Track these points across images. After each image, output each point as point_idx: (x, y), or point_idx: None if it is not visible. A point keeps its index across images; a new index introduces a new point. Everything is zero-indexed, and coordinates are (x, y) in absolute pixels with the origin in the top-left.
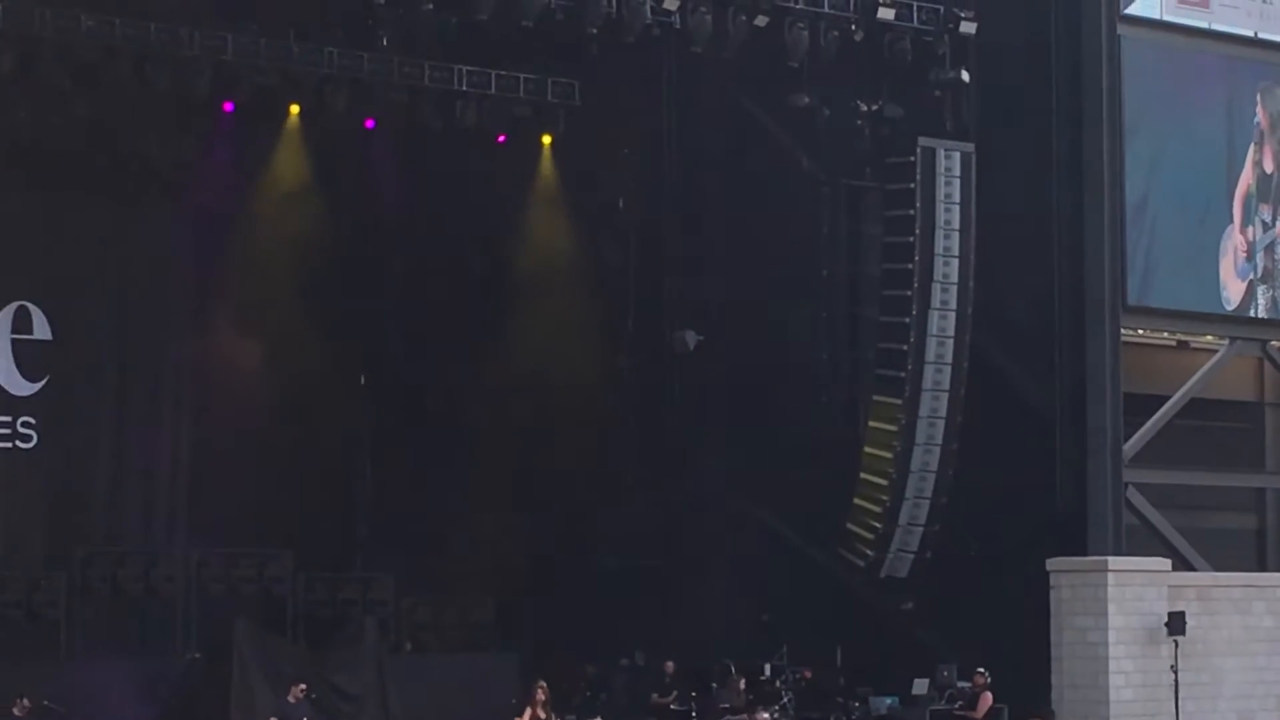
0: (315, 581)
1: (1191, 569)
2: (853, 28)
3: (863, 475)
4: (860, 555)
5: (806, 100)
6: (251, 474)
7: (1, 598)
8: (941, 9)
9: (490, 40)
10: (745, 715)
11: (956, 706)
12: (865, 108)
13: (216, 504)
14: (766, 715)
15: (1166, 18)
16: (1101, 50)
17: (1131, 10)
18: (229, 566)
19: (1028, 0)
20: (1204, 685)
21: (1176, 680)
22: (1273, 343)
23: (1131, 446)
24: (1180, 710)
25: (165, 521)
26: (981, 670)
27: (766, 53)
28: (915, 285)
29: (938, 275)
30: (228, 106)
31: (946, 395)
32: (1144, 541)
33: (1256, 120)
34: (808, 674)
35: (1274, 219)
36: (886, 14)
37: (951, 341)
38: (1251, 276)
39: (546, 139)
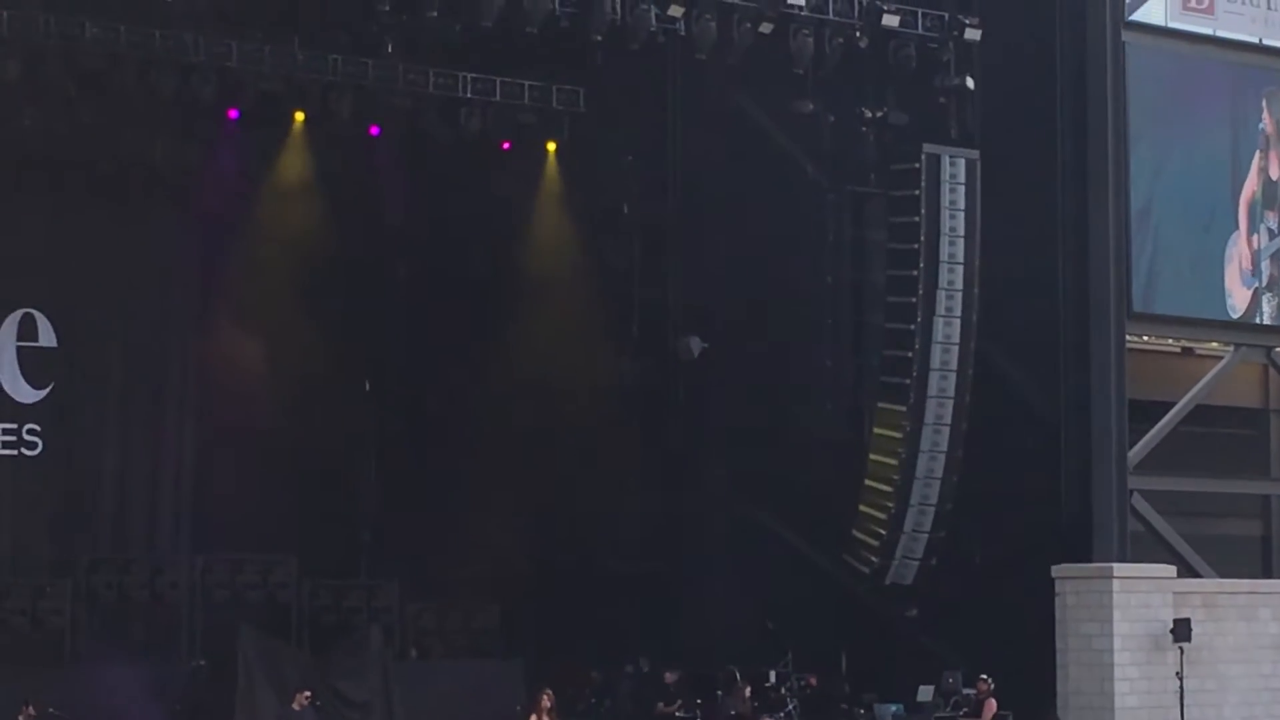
0: (320, 588)
1: (1197, 575)
2: (857, 34)
3: (867, 482)
4: (865, 562)
5: (811, 107)
6: (256, 480)
7: (6, 605)
8: (946, 16)
9: (495, 47)
10: None
11: (961, 713)
12: (870, 114)
13: (221, 510)
14: None
15: (1171, 24)
16: (1106, 57)
17: (1136, 17)
18: (233, 573)
19: (1032, 7)
20: (1209, 692)
21: (1182, 687)
22: (1278, 349)
23: (1136, 453)
24: (1185, 717)
25: (170, 528)
26: (985, 677)
27: (771, 59)
28: (920, 292)
29: (942, 282)
30: (232, 113)
31: (951, 402)
32: (1149, 548)
33: (1262, 126)
34: (813, 681)
35: None
36: (891, 21)
37: (956, 348)
38: (1257, 285)
39: (551, 145)
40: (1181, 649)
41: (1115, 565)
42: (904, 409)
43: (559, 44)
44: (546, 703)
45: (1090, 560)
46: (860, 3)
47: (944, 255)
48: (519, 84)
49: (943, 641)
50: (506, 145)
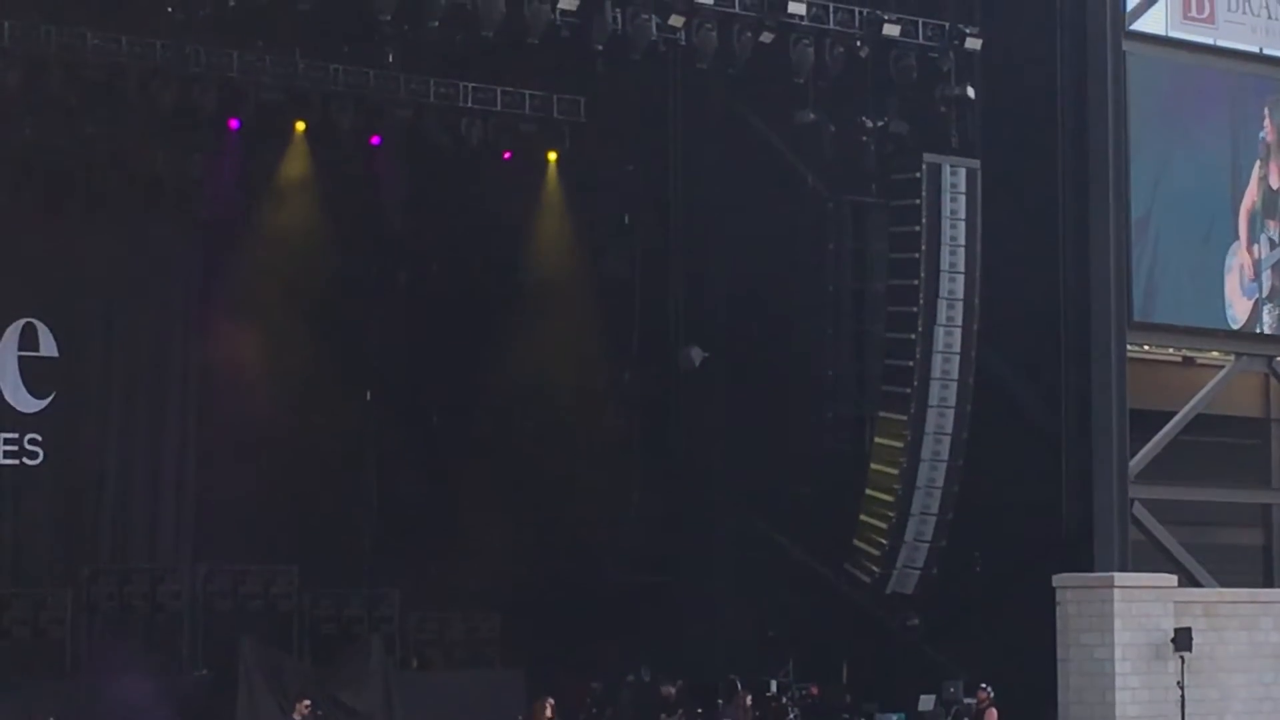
0: (321, 597)
1: (1198, 585)
2: (858, 44)
3: (869, 491)
4: (866, 571)
5: (812, 116)
6: (257, 490)
7: (8, 615)
8: (947, 25)
9: (496, 57)
10: None
11: None
12: (870, 124)
13: (222, 520)
14: None
15: (1172, 34)
16: (1106, 66)
17: (1136, 26)
18: (235, 583)
19: (1033, 16)
20: (1211, 701)
21: (1183, 696)
22: (1278, 359)
23: (1137, 462)
24: None
25: (171, 538)
26: (985, 686)
27: (772, 69)
28: (921, 301)
29: (943, 291)
30: (233, 123)
31: (952, 411)
32: (1150, 557)
33: (1263, 135)
34: (814, 690)
35: None
36: (892, 30)
37: (957, 357)
38: (1257, 295)
39: (552, 155)
40: (1183, 658)
41: (1116, 574)
42: (905, 418)
43: (560, 54)
44: (548, 712)
45: (1091, 569)
46: (861, 12)
47: (945, 264)
48: (520, 94)
49: (944, 651)
50: (507, 155)
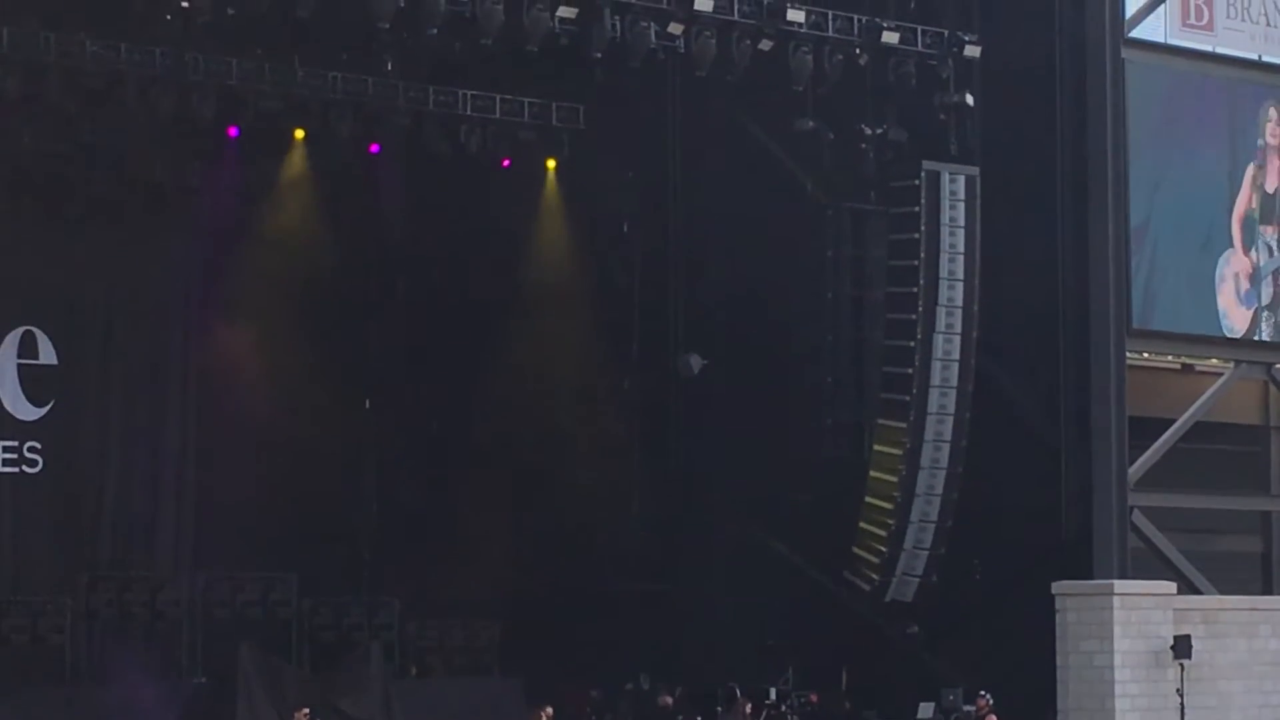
0: (320, 605)
1: (1197, 592)
2: (857, 51)
3: (867, 499)
4: (865, 579)
5: (811, 124)
6: (256, 497)
7: (7, 622)
8: (946, 33)
9: (495, 64)
10: None
11: None
12: (869, 131)
13: (221, 528)
14: None
15: (1170, 41)
16: (1105, 73)
17: (1136, 33)
18: (234, 590)
19: (1032, 24)
20: (1210, 709)
21: (1183, 704)
22: (1278, 366)
23: (1137, 470)
24: None
25: (170, 545)
26: (984, 694)
27: (771, 77)
28: (920, 309)
29: (942, 299)
30: (232, 131)
31: (951, 419)
32: (1149, 565)
33: (1261, 141)
34: (814, 698)
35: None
36: (891, 38)
37: (956, 365)
38: (1257, 304)
39: (551, 163)
40: (1182, 666)
41: (1116, 582)
42: (904, 425)
43: (559, 61)
44: None
45: (1091, 577)
46: (860, 20)
47: (944, 272)
48: (519, 101)
49: (943, 658)
50: (506, 162)
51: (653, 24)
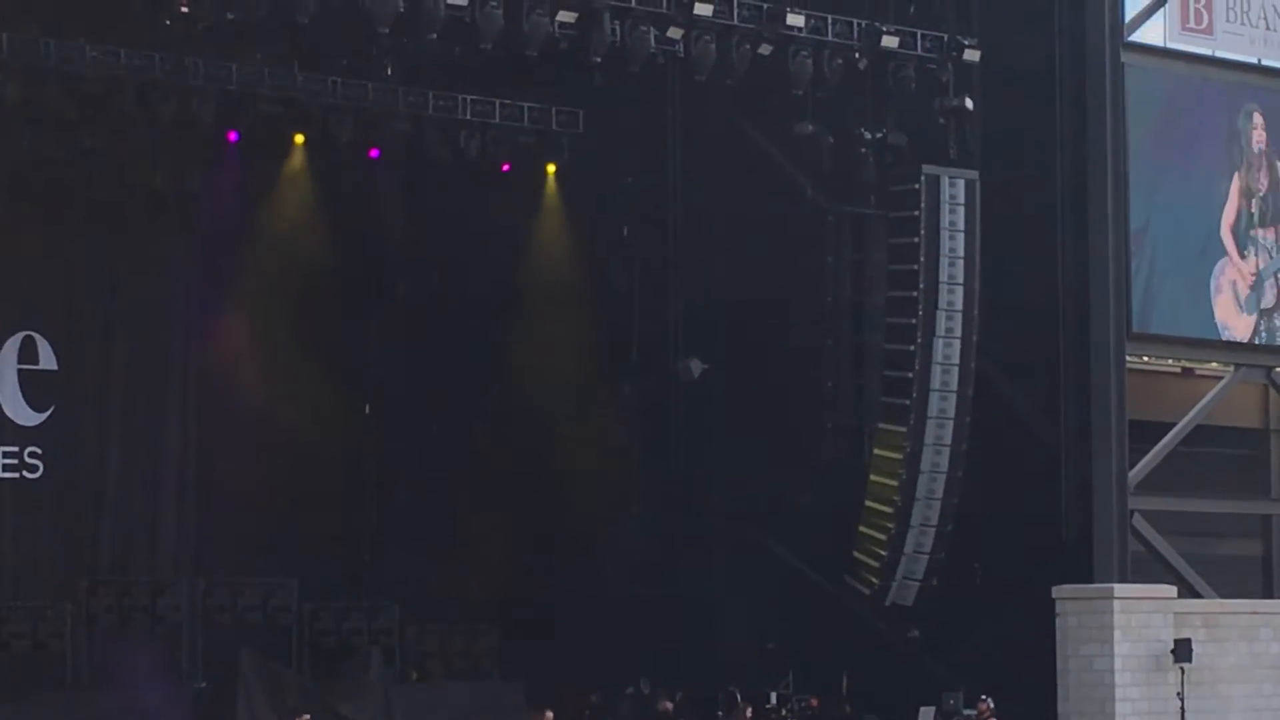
0: (320, 610)
1: (1197, 596)
2: (856, 56)
3: (868, 503)
4: (866, 583)
5: (810, 128)
6: (256, 503)
7: (8, 627)
8: (945, 37)
9: (494, 69)
10: None
11: None
12: (869, 135)
13: (222, 533)
14: None
15: (1170, 45)
16: (1105, 77)
17: (1135, 37)
18: (234, 595)
19: (1032, 28)
20: (1210, 712)
21: (1183, 707)
22: (1277, 369)
23: (1137, 473)
24: None
25: (171, 550)
26: (985, 697)
27: (770, 81)
28: (920, 313)
29: (942, 303)
30: (232, 136)
31: (951, 423)
32: (1150, 569)
33: (1258, 146)
34: (814, 702)
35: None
36: (890, 42)
37: (956, 369)
38: (1258, 309)
39: (551, 167)
40: (1182, 669)
41: (1116, 586)
42: (904, 430)
43: (558, 66)
44: None
45: (1091, 581)
46: (859, 24)
47: (944, 276)
48: (518, 106)
49: (944, 662)
50: (506, 167)
51: (652, 28)
